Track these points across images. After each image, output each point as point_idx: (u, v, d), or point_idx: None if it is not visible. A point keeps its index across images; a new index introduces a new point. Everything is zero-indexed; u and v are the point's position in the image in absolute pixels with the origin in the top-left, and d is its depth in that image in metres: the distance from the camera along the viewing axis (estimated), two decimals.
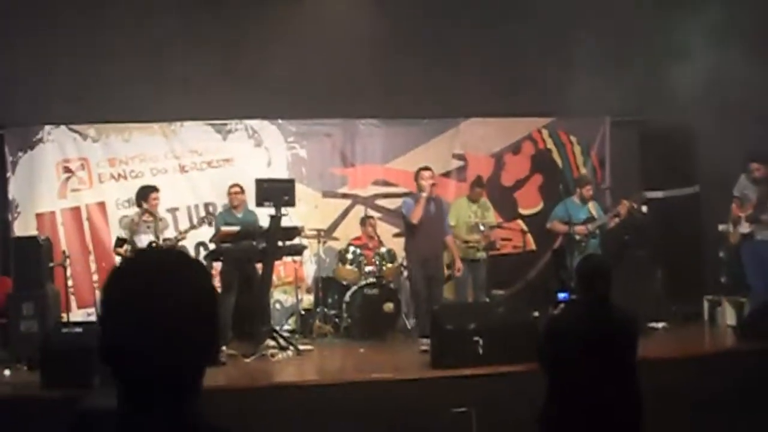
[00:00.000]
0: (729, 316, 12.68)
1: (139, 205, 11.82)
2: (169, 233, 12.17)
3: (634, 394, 5.65)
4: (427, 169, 11.90)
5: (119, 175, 13.32)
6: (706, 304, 13.24)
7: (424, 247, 11.70)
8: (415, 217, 11.69)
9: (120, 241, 11.68)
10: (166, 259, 2.34)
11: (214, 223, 12.15)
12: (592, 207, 12.47)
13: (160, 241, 11.55)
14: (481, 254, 12.72)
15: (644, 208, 12.43)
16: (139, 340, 2.16)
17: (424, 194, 11.68)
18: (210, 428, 2.23)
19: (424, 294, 11.64)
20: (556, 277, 12.38)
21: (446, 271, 13.24)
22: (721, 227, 12.56)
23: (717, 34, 12.76)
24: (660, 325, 12.21)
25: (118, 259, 11.88)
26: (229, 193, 12.16)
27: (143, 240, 11.51)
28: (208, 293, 2.30)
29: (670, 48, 12.80)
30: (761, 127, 12.81)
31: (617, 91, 13.38)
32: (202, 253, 13.00)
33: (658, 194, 13.97)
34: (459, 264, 12.06)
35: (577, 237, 12.09)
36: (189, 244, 13.08)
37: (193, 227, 12.32)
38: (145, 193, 11.82)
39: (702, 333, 12.68)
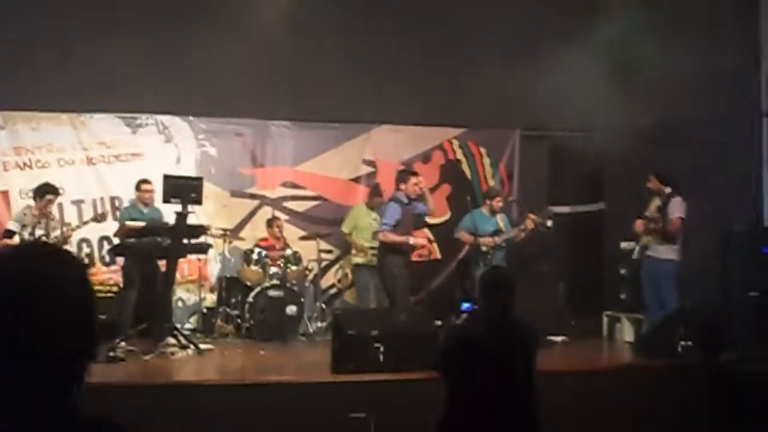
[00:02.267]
0: (627, 332, 12.92)
1: (36, 200, 11.66)
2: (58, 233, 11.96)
3: (532, 405, 5.71)
4: (413, 173, 12.16)
5: (24, 164, 13.09)
6: (605, 320, 13.47)
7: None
8: (383, 238, 11.90)
9: (9, 233, 11.53)
10: (43, 255, 2.31)
11: (119, 217, 12.05)
12: (500, 219, 12.57)
13: (50, 239, 11.44)
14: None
15: (550, 223, 12.55)
16: (11, 336, 2.14)
17: (411, 241, 11.96)
18: (92, 424, 2.20)
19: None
20: (461, 287, 12.46)
21: (350, 276, 13.34)
22: (623, 245, 12.76)
23: (630, 55, 13.00)
24: (559, 338, 12.33)
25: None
26: (140, 189, 11.99)
27: (34, 234, 11.40)
28: (83, 291, 2.27)
29: (580, 63, 12.96)
30: (667, 146, 13.08)
31: (527, 105, 13.55)
32: (106, 247, 12.88)
33: (565, 209, 14.17)
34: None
35: (484, 248, 12.17)
36: (93, 237, 12.97)
37: (79, 226, 12.16)
38: (42, 192, 11.66)
39: (600, 348, 12.87)
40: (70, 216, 12.93)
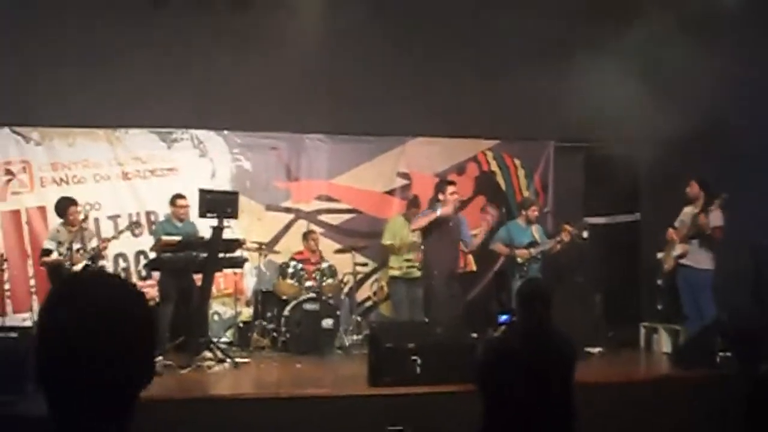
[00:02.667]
0: (665, 343, 12.84)
1: (61, 217, 11.78)
2: (95, 243, 12.04)
3: (569, 418, 5.68)
4: (451, 183, 12.13)
5: (61, 179, 13.18)
6: (642, 331, 13.40)
7: (446, 261, 11.79)
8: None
9: (46, 252, 11.66)
10: (101, 287, 2.30)
11: (154, 232, 12.12)
12: (535, 230, 12.53)
13: (87, 250, 11.53)
14: (419, 273, 12.75)
15: (585, 234, 12.50)
16: (73, 370, 2.15)
17: (438, 211, 11.87)
18: None
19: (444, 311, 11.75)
20: (497, 299, 12.44)
21: (385, 289, 13.33)
22: (659, 255, 12.69)
23: (665, 66, 12.96)
24: (596, 350, 12.26)
25: (44, 269, 11.95)
26: (175, 205, 12.04)
27: (71, 249, 11.51)
28: (144, 324, 2.28)
29: (614, 73, 12.93)
30: (703, 157, 13.01)
31: (561, 116, 13.53)
32: (142, 261, 12.93)
33: (600, 220, 14.11)
34: None
35: (519, 260, 12.13)
36: (129, 252, 13.04)
37: (114, 237, 12.27)
38: (63, 207, 11.80)
39: (638, 359, 12.81)
40: (107, 231, 12.98)
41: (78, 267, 11.52)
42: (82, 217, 11.99)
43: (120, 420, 2.22)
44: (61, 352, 2.16)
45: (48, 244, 11.77)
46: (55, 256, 11.55)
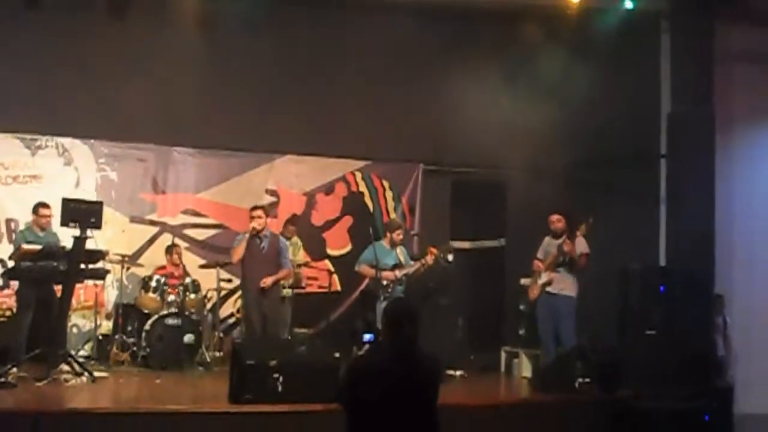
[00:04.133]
0: (525, 368, 13.02)
1: None
2: None
3: None
4: (255, 208, 12.16)
5: None
6: (503, 355, 13.56)
7: (256, 282, 11.78)
8: (234, 256, 12.15)
9: None
10: None
11: (14, 240, 11.84)
12: (400, 252, 12.56)
13: None
14: (287, 291, 12.73)
15: (450, 257, 12.59)
16: None
17: (245, 235, 11.99)
18: None
19: (258, 329, 11.76)
20: (363, 318, 12.43)
21: None
22: (523, 281, 12.88)
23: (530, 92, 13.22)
24: (458, 372, 12.39)
25: None
26: (38, 213, 11.76)
27: None
28: None
29: (485, 101, 13.15)
30: (568, 186, 13.29)
31: (431, 140, 13.69)
32: (0, 270, 12.62)
33: (465, 244, 14.26)
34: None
35: (384, 282, 12.17)
36: None
37: None
38: None
39: (498, 383, 12.95)
40: None
41: None
42: None
43: None
44: None
45: None
46: None
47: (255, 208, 12.14)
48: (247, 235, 11.95)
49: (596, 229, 11.57)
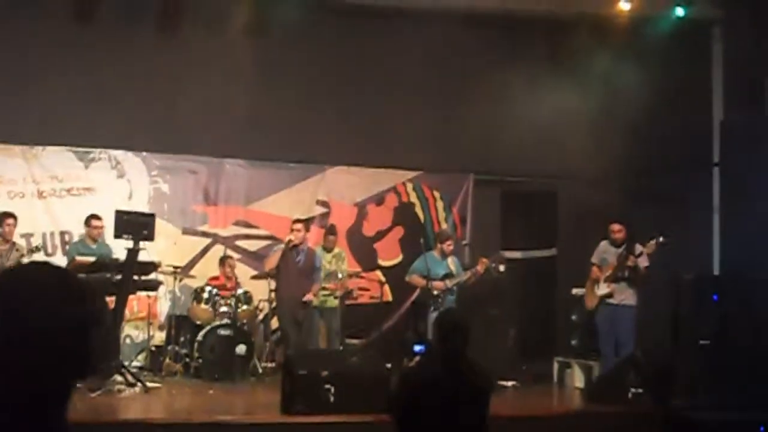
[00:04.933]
0: (577, 378, 12.94)
1: None
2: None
3: None
4: (296, 221, 12.24)
5: None
6: (556, 366, 13.48)
7: (293, 294, 11.83)
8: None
9: None
10: (40, 273, 2.31)
11: (68, 252, 11.95)
12: (451, 262, 12.55)
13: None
14: (336, 302, 12.74)
15: (502, 267, 12.56)
16: (7, 355, 2.16)
17: (282, 245, 12.10)
18: None
19: (294, 340, 11.72)
20: (414, 329, 12.42)
21: None
22: (575, 291, 12.81)
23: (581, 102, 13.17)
24: (510, 383, 12.32)
25: None
26: (90, 225, 11.89)
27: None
28: (80, 308, 2.26)
29: (535, 110, 13.11)
30: (620, 194, 13.22)
31: (482, 150, 13.66)
32: None
33: (517, 254, 14.20)
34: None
35: (435, 292, 12.15)
36: None
37: (24, 255, 12.06)
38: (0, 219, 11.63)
39: (550, 394, 12.88)
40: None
41: None
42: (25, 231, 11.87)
43: (56, 408, 2.28)
44: None
45: None
46: None
47: (296, 221, 12.26)
48: (282, 246, 12.00)
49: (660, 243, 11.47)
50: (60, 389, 2.27)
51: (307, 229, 12.26)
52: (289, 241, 11.96)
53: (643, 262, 11.64)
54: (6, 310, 2.17)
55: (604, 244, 12.02)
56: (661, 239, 11.44)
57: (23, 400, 2.18)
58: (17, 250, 11.71)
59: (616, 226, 11.89)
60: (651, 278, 11.71)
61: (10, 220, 11.69)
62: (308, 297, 12.05)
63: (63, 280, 2.30)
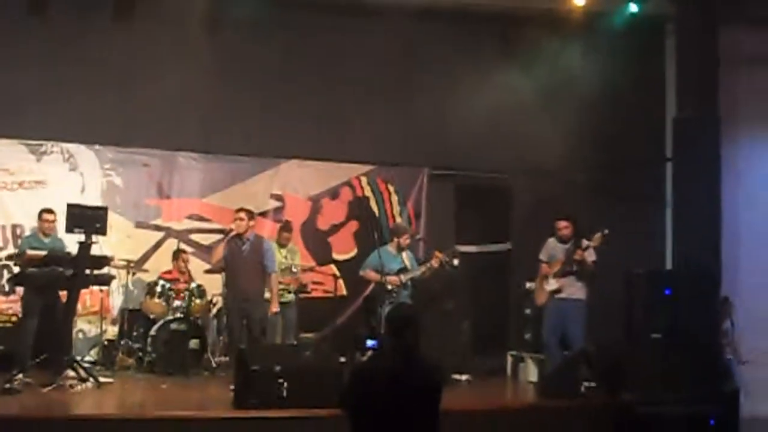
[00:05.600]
0: (531, 372, 13.00)
1: None
2: None
3: None
4: (239, 210, 11.89)
5: None
6: (509, 360, 13.55)
7: (239, 286, 11.62)
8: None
9: None
10: None
11: (20, 246, 11.86)
12: (406, 257, 12.55)
13: None
14: (291, 296, 12.71)
15: (456, 261, 12.57)
16: None
17: (227, 237, 11.82)
18: None
19: (237, 333, 11.56)
20: (366, 324, 12.42)
21: None
22: (528, 284, 12.87)
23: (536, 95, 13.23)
24: (464, 377, 12.34)
25: None
26: (42, 219, 11.79)
27: None
28: None
29: (489, 104, 13.14)
30: (573, 188, 13.29)
31: (436, 144, 13.68)
32: (6, 276, 12.62)
33: (471, 248, 14.22)
34: (275, 305, 11.92)
35: (389, 287, 12.16)
36: None
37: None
38: None
39: (504, 387, 12.94)
40: None
41: None
42: None
43: None
44: None
45: None
46: None
47: (239, 210, 11.90)
48: (225, 238, 11.85)
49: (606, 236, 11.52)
50: None
51: (251, 218, 12.02)
52: (230, 230, 11.78)
53: (590, 256, 11.69)
54: None
55: (551, 240, 12.08)
56: (606, 231, 11.50)
57: None
58: None
59: (562, 223, 11.94)
60: (599, 272, 11.74)
61: None
62: (272, 310, 11.95)
63: None
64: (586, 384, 10.65)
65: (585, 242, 11.65)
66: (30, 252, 11.26)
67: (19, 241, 12.40)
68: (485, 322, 13.78)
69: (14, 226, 13.08)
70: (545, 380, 11.84)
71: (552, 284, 11.92)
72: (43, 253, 11.19)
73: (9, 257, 12.33)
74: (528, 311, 13.31)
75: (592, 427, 9.87)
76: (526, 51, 13.81)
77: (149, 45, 13.11)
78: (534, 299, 12.45)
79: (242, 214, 11.76)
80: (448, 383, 9.82)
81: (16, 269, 11.67)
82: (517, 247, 14.28)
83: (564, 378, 10.94)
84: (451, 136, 13.81)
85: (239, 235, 11.67)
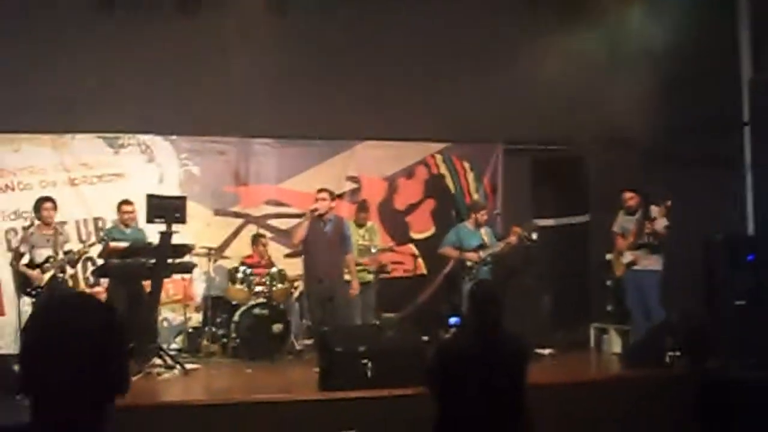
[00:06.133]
0: (615, 344, 12.93)
1: (37, 218, 11.66)
2: (69, 246, 11.93)
3: (521, 419, 5.68)
4: (321, 190, 11.90)
5: (7, 186, 12.96)
6: (592, 332, 13.47)
7: (320, 267, 11.64)
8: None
9: (18, 255, 11.50)
10: (78, 303, 2.60)
11: (102, 238, 12.01)
12: (485, 233, 12.52)
13: (60, 255, 11.40)
14: (371, 277, 12.73)
15: (534, 235, 12.52)
16: (56, 378, 2.40)
17: (307, 215, 11.84)
18: None
19: (319, 315, 11.59)
20: (448, 301, 12.42)
21: None
22: (608, 256, 12.78)
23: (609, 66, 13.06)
24: (547, 351, 12.29)
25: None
26: (121, 211, 11.97)
27: (42, 253, 11.37)
28: (117, 334, 2.55)
29: (562, 76, 12.99)
30: (646, 156, 13.13)
31: (510, 119, 13.58)
32: (90, 268, 12.80)
33: (549, 222, 14.16)
34: (356, 284, 11.98)
35: (469, 263, 12.14)
36: None
37: (93, 243, 12.13)
38: (38, 204, 11.68)
39: (588, 360, 12.87)
40: None
41: (46, 276, 11.37)
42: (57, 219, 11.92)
43: (98, 427, 2.51)
44: (41, 362, 2.43)
45: (23, 248, 11.64)
46: (26, 260, 11.42)
47: (320, 190, 11.95)
48: (306, 217, 11.85)
49: (680, 201, 11.38)
50: (103, 406, 2.57)
51: (333, 198, 12.04)
52: (314, 210, 11.78)
53: (661, 224, 11.59)
54: (53, 340, 2.44)
55: (621, 214, 12.02)
56: (669, 203, 11.40)
57: (70, 420, 2.44)
58: (61, 234, 11.76)
59: (627, 194, 11.90)
60: (676, 239, 11.62)
61: (48, 204, 11.73)
62: (353, 286, 11.99)
63: (100, 309, 2.59)
64: (670, 353, 10.57)
65: (654, 211, 11.55)
66: (112, 244, 11.42)
67: (101, 234, 12.55)
68: (566, 296, 13.70)
69: (95, 219, 13.24)
70: (630, 351, 11.79)
71: (627, 257, 11.88)
72: (125, 244, 11.34)
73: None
74: (609, 283, 13.22)
75: (678, 396, 9.79)
76: (594, 17, 13.64)
77: (217, 33, 13.13)
78: (614, 271, 12.38)
79: (324, 194, 11.81)
80: (531, 358, 9.76)
81: (100, 261, 11.83)
82: (595, 218, 14.17)
83: (648, 348, 10.87)
84: (524, 109, 13.69)
85: (321, 216, 11.71)
